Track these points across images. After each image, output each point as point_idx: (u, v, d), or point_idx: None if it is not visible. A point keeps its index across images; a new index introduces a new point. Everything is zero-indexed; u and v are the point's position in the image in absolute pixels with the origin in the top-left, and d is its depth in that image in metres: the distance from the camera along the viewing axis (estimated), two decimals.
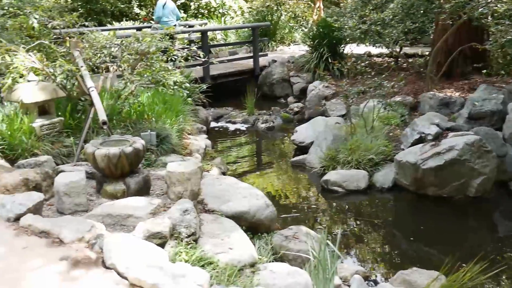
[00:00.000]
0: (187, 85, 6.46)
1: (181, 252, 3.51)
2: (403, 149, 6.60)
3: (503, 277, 4.33)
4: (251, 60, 11.91)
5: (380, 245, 5.17)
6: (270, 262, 4.01)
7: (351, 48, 9.99)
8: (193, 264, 3.38)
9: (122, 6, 15.02)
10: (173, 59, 6.26)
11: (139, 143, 4.51)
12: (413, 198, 6.07)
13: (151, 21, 13.62)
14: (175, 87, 6.09)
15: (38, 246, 3.29)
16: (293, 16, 16.55)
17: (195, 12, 16.18)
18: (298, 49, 14.22)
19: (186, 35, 12.12)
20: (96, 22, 8.62)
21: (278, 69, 11.72)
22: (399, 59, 10.86)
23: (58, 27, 5.97)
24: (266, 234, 4.58)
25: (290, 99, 11.28)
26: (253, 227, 4.53)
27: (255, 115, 10.03)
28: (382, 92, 7.28)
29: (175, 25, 10.49)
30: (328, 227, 5.40)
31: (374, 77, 7.55)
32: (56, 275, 2.93)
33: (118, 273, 2.98)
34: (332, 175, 6.41)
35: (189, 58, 6.39)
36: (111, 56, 5.96)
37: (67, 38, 5.83)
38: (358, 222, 5.61)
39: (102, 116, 4.62)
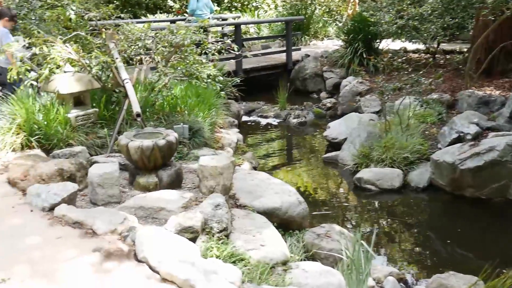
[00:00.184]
0: (220, 78, 6.42)
1: (212, 248, 3.47)
2: (440, 148, 6.40)
3: None
4: (284, 54, 11.80)
5: (414, 246, 5.02)
6: (301, 260, 3.94)
7: (387, 44, 9.76)
8: (224, 260, 3.35)
9: None
10: (207, 52, 6.23)
11: (172, 136, 4.49)
12: (450, 199, 5.87)
13: (184, 14, 13.66)
14: (209, 80, 6.06)
15: (72, 236, 3.31)
16: (327, 10, 16.31)
17: (228, 5, 16.14)
18: (331, 44, 14.02)
19: (219, 28, 12.10)
20: (131, 14, 8.66)
21: (311, 63, 11.57)
22: (436, 55, 10.57)
23: (94, 18, 6.01)
24: (298, 231, 4.51)
25: (323, 94, 11.14)
26: (285, 224, 4.47)
27: (287, 110, 9.93)
28: (419, 89, 7.07)
29: (208, 18, 10.46)
30: (360, 226, 5.28)
31: (411, 73, 7.34)
32: (89, 267, 2.93)
33: (150, 267, 2.96)
34: (365, 173, 6.28)
35: (223, 51, 6.33)
36: (146, 48, 5.96)
37: (103, 29, 5.87)
38: (391, 222, 5.47)
39: (136, 108, 4.62)
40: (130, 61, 6.33)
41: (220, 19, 12.42)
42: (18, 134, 4.90)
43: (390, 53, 7.90)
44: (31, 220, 3.55)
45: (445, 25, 8.92)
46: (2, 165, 4.63)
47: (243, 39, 11.46)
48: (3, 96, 5.62)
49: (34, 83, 5.10)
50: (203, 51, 6.03)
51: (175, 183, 4.48)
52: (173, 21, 11.31)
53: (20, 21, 6.95)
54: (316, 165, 7.43)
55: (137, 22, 7.40)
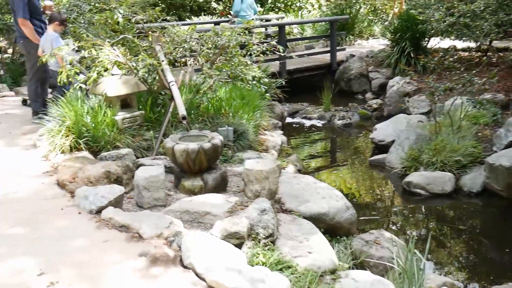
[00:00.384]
0: (265, 80, 6.34)
1: (259, 254, 3.39)
2: (495, 151, 6.08)
3: None
4: (328, 54, 11.62)
5: (468, 254, 4.78)
6: (350, 268, 3.80)
7: (438, 42, 9.41)
8: (270, 267, 3.26)
9: (201, 1, 15.21)
10: (251, 53, 6.16)
11: (218, 139, 4.45)
12: (505, 205, 5.58)
13: (228, 16, 13.69)
14: (254, 82, 5.99)
15: (118, 240, 3.30)
16: (372, 9, 15.96)
17: (272, 6, 16.07)
18: (377, 43, 13.72)
19: (263, 29, 12.03)
20: (176, 17, 8.72)
21: (356, 64, 11.34)
22: (488, 54, 10.11)
23: (141, 21, 6.06)
24: (345, 237, 4.38)
25: (368, 95, 10.89)
26: (332, 230, 4.34)
27: (332, 111, 9.76)
28: (472, 89, 6.77)
29: (252, 19, 10.41)
30: (411, 233, 5.08)
31: (462, 73, 7.04)
32: (135, 272, 2.91)
33: (196, 274, 2.91)
34: (415, 177, 6.05)
35: (267, 52, 6.24)
36: (191, 51, 5.96)
37: (150, 32, 5.90)
38: (443, 228, 5.24)
39: (182, 111, 4.60)
40: (175, 63, 6.36)
41: (264, 20, 12.36)
42: (67, 136, 4.99)
43: (440, 52, 7.57)
44: (78, 223, 3.57)
45: (499, 22, 8.52)
46: (51, 166, 4.72)
47: (287, 40, 11.34)
48: (53, 99, 5.75)
49: (83, 86, 5.18)
50: (248, 53, 5.96)
51: (220, 186, 4.44)
52: (217, 23, 11.35)
53: (70, 25, 7.11)
54: (362, 168, 7.24)
55: (183, 24, 7.42)
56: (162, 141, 5.16)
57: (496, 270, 4.44)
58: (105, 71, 5.21)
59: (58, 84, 5.29)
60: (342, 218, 4.37)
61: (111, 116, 5.23)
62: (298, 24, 14.37)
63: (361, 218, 5.25)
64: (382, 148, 7.45)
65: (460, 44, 10.92)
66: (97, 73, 5.04)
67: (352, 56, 11.62)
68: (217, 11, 15.45)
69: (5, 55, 10.49)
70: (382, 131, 7.68)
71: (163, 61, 5.31)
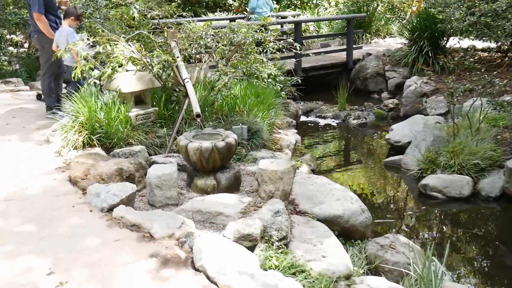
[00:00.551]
0: (281, 78, 6.24)
1: (271, 257, 3.32)
2: None
3: None
4: (344, 52, 11.49)
5: (486, 261, 4.65)
6: (365, 273, 3.72)
7: (458, 42, 9.23)
8: (283, 270, 3.18)
9: None
10: (267, 50, 6.08)
11: (232, 137, 4.37)
12: None
13: (244, 12, 13.59)
14: (269, 80, 5.90)
15: (129, 239, 3.25)
16: (389, 7, 15.73)
17: (288, 3, 15.92)
18: (394, 42, 13.53)
19: (278, 26, 11.92)
20: (192, 13, 8.66)
21: (373, 62, 11.19)
22: (510, 54, 9.89)
23: (156, 17, 6.01)
24: (360, 241, 4.28)
25: (384, 94, 10.75)
26: (346, 233, 4.26)
27: (347, 110, 9.64)
28: (492, 91, 6.60)
29: (269, 16, 10.32)
30: (427, 238, 4.97)
31: (483, 73, 6.87)
32: (146, 273, 2.86)
33: (208, 277, 2.85)
34: (431, 180, 5.91)
35: (283, 49, 6.15)
36: (206, 47, 5.89)
37: (165, 28, 5.84)
38: (460, 234, 5.11)
39: (196, 108, 4.54)
40: (190, 60, 6.30)
41: (280, 17, 12.24)
42: (80, 132, 4.95)
43: (460, 52, 7.40)
44: (90, 221, 3.53)
45: None
46: (64, 162, 4.69)
47: (303, 37, 11.22)
48: (67, 94, 5.73)
49: (97, 81, 5.15)
50: (264, 50, 5.87)
51: (233, 186, 4.36)
52: (232, 19, 11.27)
53: (86, 20, 7.09)
54: (377, 169, 7.12)
55: (198, 21, 7.35)
56: (176, 139, 5.11)
57: None
58: (119, 66, 5.16)
59: (73, 79, 5.26)
60: (357, 221, 4.28)
61: (125, 112, 5.19)
62: (314, 21, 14.23)
63: (376, 220, 5.14)
64: (398, 149, 7.33)
65: (479, 44, 10.71)
66: (112, 69, 4.99)
67: (369, 54, 11.46)
68: (233, 8, 15.35)
69: (21, 49, 10.54)
70: (398, 131, 7.55)
71: (178, 57, 5.25)
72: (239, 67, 5.63)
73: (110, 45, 4.97)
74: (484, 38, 9.66)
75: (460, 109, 7.23)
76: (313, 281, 3.13)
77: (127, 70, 5.32)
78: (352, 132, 8.87)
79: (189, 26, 5.71)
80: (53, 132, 5.27)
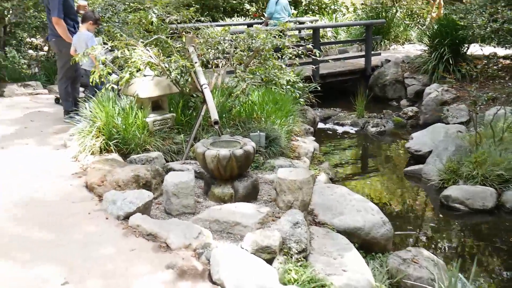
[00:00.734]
0: (300, 84, 6.14)
1: (290, 270, 3.21)
2: None
3: None
4: (362, 59, 11.37)
5: None
6: None
7: (482, 49, 9.06)
8: (302, 285, 3.08)
9: (234, 2, 15.10)
10: (287, 56, 5.99)
11: (250, 145, 4.29)
12: None
13: (261, 17, 13.54)
14: (288, 86, 5.80)
15: (145, 249, 3.18)
16: (409, 13, 15.55)
17: (306, 8, 15.83)
18: (413, 49, 13.36)
19: (296, 32, 11.84)
20: (210, 18, 8.63)
21: (392, 69, 11.03)
22: None
23: (175, 22, 5.96)
24: (381, 254, 4.15)
25: (403, 102, 10.59)
26: (366, 246, 4.14)
27: (365, 117, 9.51)
28: None
29: (287, 22, 10.23)
30: (450, 251, 4.82)
31: (507, 82, 6.70)
32: (162, 286, 2.78)
33: None
34: (453, 191, 5.76)
35: (302, 55, 6.06)
36: (224, 52, 5.83)
37: (183, 33, 5.79)
38: (484, 247, 4.94)
39: (214, 115, 4.46)
40: (208, 65, 6.24)
41: (298, 23, 12.16)
42: (97, 137, 4.91)
43: (483, 60, 7.23)
44: (105, 229, 3.47)
45: None
46: (81, 168, 4.65)
47: (321, 43, 11.11)
48: (85, 98, 5.71)
49: (115, 86, 5.11)
50: (283, 56, 5.78)
51: (251, 195, 4.28)
52: (250, 25, 11.22)
53: (104, 24, 7.09)
54: (396, 178, 6.97)
55: (216, 25, 7.30)
56: (193, 145, 5.04)
57: None
58: (137, 71, 5.12)
59: (90, 84, 5.23)
60: (378, 233, 4.16)
61: (142, 118, 5.14)
62: (333, 27, 14.11)
63: (396, 232, 4.99)
64: (418, 158, 7.18)
65: (501, 52, 10.49)
66: (130, 74, 4.95)
67: (388, 61, 11.31)
68: (250, 13, 15.31)
69: (41, 53, 10.60)
70: (418, 140, 7.40)
71: (196, 62, 5.18)
72: (258, 73, 5.55)
73: (128, 50, 4.93)
74: (506, 45, 9.46)
75: (482, 118, 7.06)
76: None
77: (144, 75, 5.28)
78: (371, 140, 8.73)
79: (208, 31, 5.65)
80: (70, 137, 5.24)
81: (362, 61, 11.35)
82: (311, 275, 3.21)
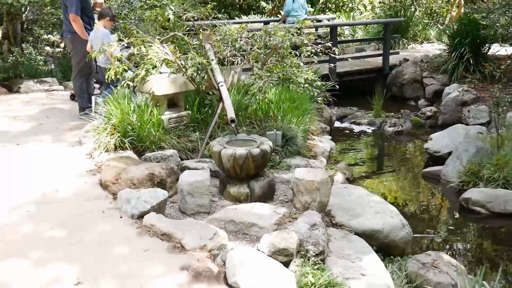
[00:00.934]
0: (318, 83, 6.03)
1: (308, 273, 3.12)
2: None
3: None
4: (380, 58, 11.20)
5: None
6: None
7: (506, 49, 8.84)
8: None
9: None
10: (304, 55, 5.89)
11: (267, 144, 4.20)
12: None
13: (278, 15, 13.45)
14: (306, 85, 5.70)
15: (160, 250, 3.11)
16: (428, 12, 15.31)
17: (323, 6, 15.69)
18: (431, 48, 13.16)
19: (313, 30, 11.72)
20: (226, 15, 8.57)
21: (410, 68, 10.84)
22: None
23: (191, 19, 5.90)
24: (399, 257, 4.04)
25: (421, 102, 10.41)
26: (385, 249, 4.03)
27: (382, 117, 9.35)
28: None
29: (304, 19, 10.11)
30: (470, 256, 4.68)
31: None
32: None
33: None
34: (474, 193, 5.60)
35: (320, 54, 5.95)
36: (241, 50, 5.75)
37: (200, 30, 5.73)
38: (507, 253, 4.79)
39: (231, 113, 4.38)
40: (224, 63, 6.17)
41: (314, 21, 12.03)
42: (112, 134, 4.87)
43: (508, 60, 7.04)
44: (119, 228, 3.41)
45: None
46: (95, 165, 4.61)
47: (339, 42, 10.97)
48: (102, 96, 5.68)
49: (130, 83, 5.06)
50: (301, 54, 5.67)
51: (267, 195, 4.19)
52: (266, 22, 11.13)
53: (121, 21, 7.06)
54: (414, 179, 6.83)
55: (233, 23, 7.23)
56: (208, 143, 4.98)
57: None
58: (153, 68, 5.07)
59: (106, 81, 5.20)
60: (397, 236, 4.05)
61: (158, 115, 5.08)
62: (351, 25, 13.95)
63: (414, 235, 4.87)
64: (437, 159, 7.03)
65: None
66: (146, 71, 4.90)
67: (406, 60, 11.13)
68: (266, 10, 15.22)
69: (57, 49, 10.64)
70: (438, 141, 7.25)
71: (212, 60, 5.11)
72: (275, 71, 5.46)
73: (145, 47, 4.88)
74: None
75: (504, 120, 6.89)
76: None
77: (160, 72, 5.22)
78: (388, 140, 8.59)
79: (225, 28, 5.57)
80: (85, 134, 5.21)
81: (379, 60, 11.20)
82: (329, 279, 3.11)
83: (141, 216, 3.53)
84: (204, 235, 3.23)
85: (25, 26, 9.80)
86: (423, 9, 15.21)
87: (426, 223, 5.47)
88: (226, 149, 4.07)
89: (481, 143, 6.50)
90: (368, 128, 9.08)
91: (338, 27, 12.23)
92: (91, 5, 6.55)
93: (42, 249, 3.08)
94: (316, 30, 11.23)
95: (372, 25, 13.70)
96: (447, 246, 4.89)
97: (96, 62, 6.32)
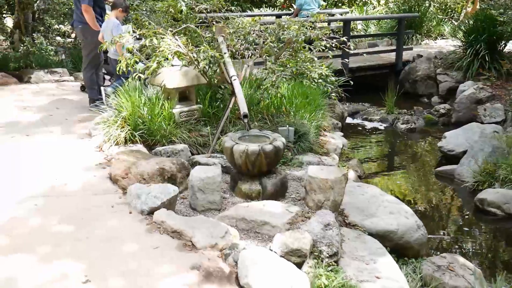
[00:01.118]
0: (332, 78, 5.91)
1: (321, 275, 3.03)
2: None
3: None
4: (393, 53, 11.03)
5: None
6: None
7: None
8: None
9: None
10: (316, 49, 5.76)
11: (280, 141, 4.11)
12: None
13: (290, 8, 13.30)
14: (320, 80, 5.58)
15: (169, 248, 3.04)
16: (442, 7, 15.06)
17: (335, 0, 15.49)
18: (445, 44, 12.94)
19: (325, 24, 11.55)
20: (239, 8, 8.44)
21: (424, 65, 10.67)
22: None
23: (204, 11, 5.79)
24: (414, 259, 3.94)
25: (435, 99, 10.26)
26: (399, 250, 3.93)
27: (395, 114, 9.22)
28: None
29: (318, 13, 9.96)
30: (487, 259, 4.57)
31: None
32: None
33: None
34: (489, 194, 5.48)
35: (334, 48, 5.83)
36: (253, 43, 5.63)
37: (213, 23, 5.62)
38: None
39: (244, 108, 4.28)
40: (235, 56, 6.06)
41: (328, 15, 11.86)
42: (122, 127, 4.79)
43: None
44: (129, 224, 3.34)
45: None
46: (105, 158, 4.54)
47: (352, 36, 10.82)
48: (114, 87, 5.60)
49: (142, 75, 4.98)
50: (315, 48, 5.54)
51: (279, 192, 4.10)
52: (279, 16, 10.99)
53: (132, 12, 6.97)
54: (427, 178, 6.70)
55: (247, 16, 7.11)
56: (219, 138, 4.89)
57: None
58: (165, 60, 4.97)
59: (117, 72, 5.12)
60: (412, 238, 3.95)
61: (169, 108, 5.00)
62: (365, 20, 13.75)
63: (428, 236, 4.77)
64: (451, 158, 6.91)
65: None
66: (157, 63, 4.81)
67: (420, 56, 10.95)
68: (278, 3, 15.06)
69: (68, 40, 10.59)
70: (452, 139, 7.11)
71: (225, 53, 5.01)
72: (288, 66, 5.34)
73: (157, 39, 4.79)
74: None
75: None
76: None
77: (172, 65, 5.13)
78: (400, 137, 8.45)
79: (238, 21, 5.46)
80: (95, 126, 5.14)
81: (392, 56, 11.04)
82: (343, 281, 3.03)
83: (151, 212, 3.46)
84: (215, 233, 3.15)
85: (36, 16, 9.73)
86: (438, 4, 14.96)
87: (439, 223, 5.36)
88: (238, 145, 3.98)
89: (497, 142, 6.36)
90: (380, 125, 8.96)
91: (351, 22, 12.07)
92: None
93: (50, 244, 3.01)
94: (329, 24, 11.06)
95: (385, 20, 13.50)
96: (462, 248, 4.78)
97: (105, 53, 6.23)
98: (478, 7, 13.17)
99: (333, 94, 6.43)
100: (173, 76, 5.05)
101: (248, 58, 5.86)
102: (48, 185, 3.94)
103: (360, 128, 8.84)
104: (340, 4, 15.34)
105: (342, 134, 7.19)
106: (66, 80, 8.25)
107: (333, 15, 12.24)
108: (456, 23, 13.46)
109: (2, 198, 3.67)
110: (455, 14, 14.92)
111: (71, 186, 3.93)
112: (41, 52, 8.54)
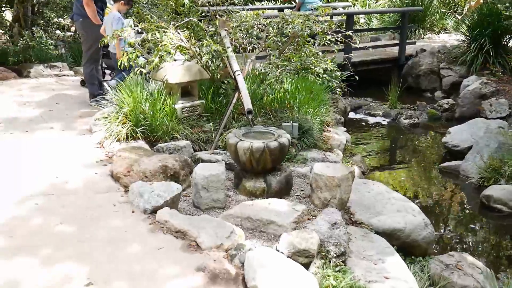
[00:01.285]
0: (337, 73, 5.81)
1: (329, 276, 2.97)
2: None
3: None
4: (396, 47, 10.91)
5: None
6: None
7: None
8: None
9: None
10: (319, 43, 5.67)
11: (285, 137, 4.03)
12: None
13: (292, 2, 13.16)
14: (325, 75, 5.48)
15: (174, 248, 2.96)
16: (445, 1, 14.92)
17: None
18: (448, 38, 12.83)
19: (327, 18, 11.42)
20: (242, 1, 8.33)
21: (427, 59, 10.56)
22: None
23: (207, 4, 5.69)
24: (421, 258, 3.88)
25: (438, 93, 10.16)
26: (406, 248, 3.87)
27: (398, 108, 9.13)
28: None
29: (321, 7, 9.83)
30: (493, 257, 4.50)
31: None
32: None
33: None
34: (495, 191, 5.41)
35: (339, 42, 5.73)
36: (257, 37, 5.54)
37: (216, 16, 5.52)
38: None
39: (248, 104, 4.20)
40: (238, 50, 5.96)
41: (330, 8, 11.73)
42: (124, 123, 4.70)
43: None
44: (131, 223, 3.26)
45: None
46: (106, 155, 4.46)
47: (355, 30, 10.69)
48: (116, 81, 5.51)
49: (143, 70, 4.88)
50: (321, 42, 5.44)
51: (284, 190, 4.02)
52: (280, 9, 10.87)
53: (133, 5, 6.85)
54: (431, 174, 6.63)
55: (250, 9, 6.99)
56: (222, 134, 4.81)
57: None
58: (167, 54, 4.88)
59: (119, 67, 5.02)
60: (419, 236, 3.88)
61: (171, 104, 4.91)
62: (367, 13, 13.61)
63: (435, 233, 4.70)
64: (455, 154, 6.83)
65: None
66: (159, 58, 4.71)
67: (423, 50, 10.84)
68: None
69: (68, 33, 10.47)
70: (456, 135, 7.03)
71: (228, 47, 4.91)
72: (292, 60, 5.24)
73: (159, 32, 4.69)
74: None
75: None
76: None
77: (174, 60, 5.04)
78: (403, 133, 8.37)
79: (242, 14, 5.36)
80: (96, 122, 5.05)
81: (395, 50, 10.92)
82: (351, 282, 2.96)
83: (154, 211, 3.38)
84: (220, 234, 3.08)
85: (36, 9, 9.62)
86: None
87: (445, 220, 5.30)
88: (242, 142, 3.90)
89: (503, 138, 6.29)
90: (383, 120, 8.87)
91: (354, 16, 11.94)
92: None
93: (52, 246, 2.93)
94: (331, 18, 10.94)
95: (388, 14, 13.37)
96: (468, 246, 4.72)
97: (105, 47, 6.13)
98: (481, 1, 13.05)
99: (338, 90, 6.32)
100: (176, 71, 4.96)
101: (250, 52, 5.75)
102: (48, 183, 3.85)
103: (363, 123, 8.75)
104: None
105: (345, 129, 7.11)
106: (66, 75, 8.15)
107: (335, 8, 12.11)
108: (459, 17, 13.33)
109: (2, 197, 3.59)
110: (458, 8, 14.78)
111: (72, 184, 3.85)
112: (40, 46, 8.43)
